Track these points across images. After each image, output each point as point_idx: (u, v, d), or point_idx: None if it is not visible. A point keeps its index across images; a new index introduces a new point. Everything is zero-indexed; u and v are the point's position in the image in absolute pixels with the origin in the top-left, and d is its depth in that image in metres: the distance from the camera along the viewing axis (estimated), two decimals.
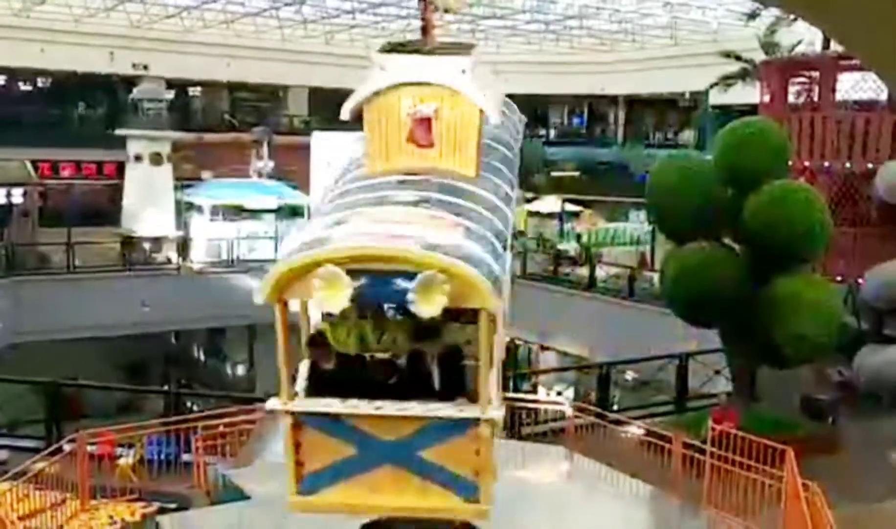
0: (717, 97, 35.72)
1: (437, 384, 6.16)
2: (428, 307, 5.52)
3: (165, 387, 24.75)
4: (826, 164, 19.95)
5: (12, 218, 32.62)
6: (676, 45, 46.41)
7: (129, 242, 35.02)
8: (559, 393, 21.15)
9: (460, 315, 6.08)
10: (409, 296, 5.48)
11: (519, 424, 14.99)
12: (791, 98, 21.68)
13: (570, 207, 42.92)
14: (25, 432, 16.42)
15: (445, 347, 6.27)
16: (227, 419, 12.92)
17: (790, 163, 17.15)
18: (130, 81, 42.48)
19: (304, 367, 6.36)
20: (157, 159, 37.66)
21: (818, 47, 25.08)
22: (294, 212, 35.15)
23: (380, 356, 6.36)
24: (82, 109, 46.36)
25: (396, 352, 6.36)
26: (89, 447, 11.75)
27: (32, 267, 30.96)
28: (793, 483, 9.70)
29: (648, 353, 19.33)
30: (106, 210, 41.12)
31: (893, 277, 17.83)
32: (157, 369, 35.00)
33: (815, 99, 21.09)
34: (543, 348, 31.58)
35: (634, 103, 54.52)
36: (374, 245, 5.62)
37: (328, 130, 30.82)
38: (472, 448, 5.97)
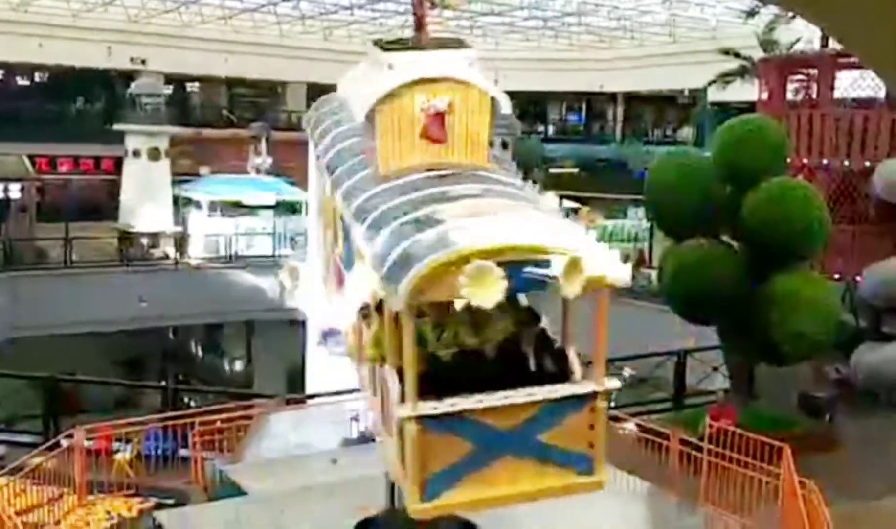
0: (715, 94, 35.78)
1: (532, 367, 6.15)
2: (573, 289, 5.60)
3: (163, 382, 24.75)
4: (824, 161, 19.95)
5: (10, 213, 32.57)
6: (675, 43, 46.40)
7: (126, 237, 34.99)
8: None
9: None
10: (556, 280, 5.54)
11: None
12: (789, 95, 21.70)
13: (568, 204, 42.93)
14: (23, 427, 16.42)
15: (540, 331, 6.32)
16: (224, 415, 12.93)
17: (788, 160, 17.15)
18: (128, 76, 42.43)
19: (398, 371, 5.99)
20: (154, 155, 37.59)
21: (817, 45, 25.12)
22: (292, 208, 35.11)
23: (467, 348, 6.24)
24: (80, 103, 46.31)
25: (487, 344, 6.28)
26: (86, 443, 11.74)
27: (30, 262, 30.96)
28: (790, 481, 9.71)
29: (646, 350, 19.34)
30: (104, 205, 41.07)
31: (891, 274, 17.84)
32: (154, 364, 34.99)
33: (814, 96, 21.11)
34: None
35: (633, 100, 54.55)
36: (519, 237, 5.62)
37: None
38: (586, 423, 6.05)
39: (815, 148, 20.00)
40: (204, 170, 42.03)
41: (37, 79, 46.74)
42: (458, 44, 7.29)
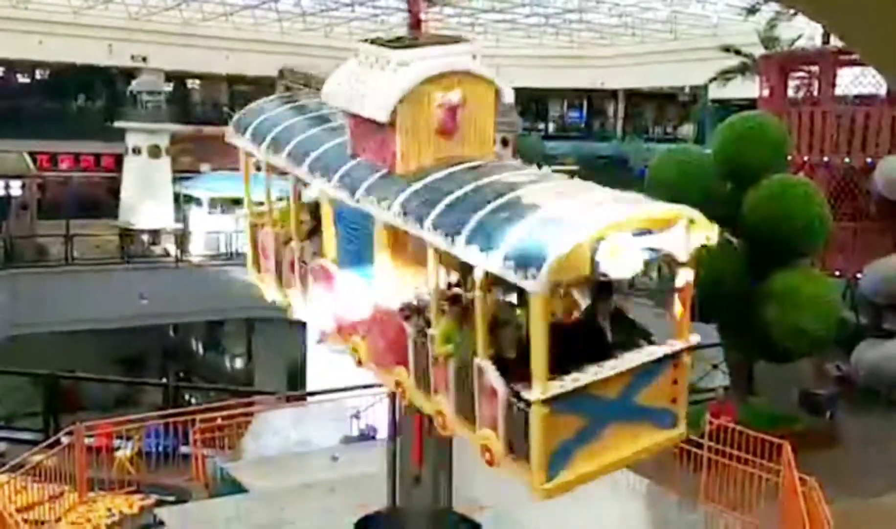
0: (716, 91, 35.76)
1: (610, 337, 6.38)
2: (687, 250, 6.08)
3: (163, 380, 24.75)
4: (825, 158, 19.94)
5: (11, 210, 32.56)
6: (676, 40, 46.35)
7: (127, 234, 34.99)
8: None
9: None
10: (673, 249, 6.00)
11: None
12: (790, 93, 21.68)
13: None
14: (23, 424, 16.44)
15: (614, 305, 6.57)
16: (225, 412, 12.94)
17: (789, 157, 17.14)
18: (129, 74, 42.40)
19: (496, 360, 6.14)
20: (155, 152, 37.59)
21: (818, 42, 25.13)
22: None
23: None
24: (81, 101, 46.30)
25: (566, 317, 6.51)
26: (87, 440, 11.75)
27: (31, 259, 30.96)
28: (790, 478, 9.71)
29: None
30: (104, 203, 41.08)
31: (892, 271, 17.84)
32: (155, 361, 35.00)
33: (815, 94, 21.09)
34: None
35: (634, 97, 54.52)
36: (637, 210, 6.05)
37: None
38: (672, 379, 6.42)
39: (816, 145, 19.99)
40: (204, 167, 41.99)
41: (38, 76, 46.71)
42: (454, 40, 7.32)
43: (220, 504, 10.82)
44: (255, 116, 8.44)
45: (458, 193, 6.35)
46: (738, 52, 31.60)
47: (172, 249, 33.89)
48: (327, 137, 7.68)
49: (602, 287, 6.39)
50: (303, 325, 15.57)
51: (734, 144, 15.40)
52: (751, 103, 23.80)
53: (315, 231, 8.13)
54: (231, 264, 32.16)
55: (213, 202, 35.88)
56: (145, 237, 35.06)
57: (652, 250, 5.95)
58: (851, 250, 19.16)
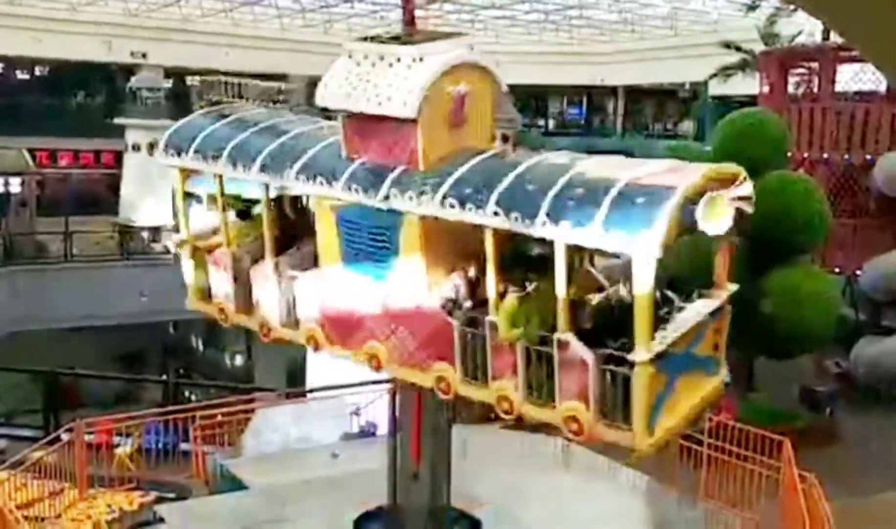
0: (716, 88, 35.67)
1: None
2: (751, 207, 6.70)
3: (163, 377, 24.76)
4: (825, 155, 19.93)
5: (10, 207, 32.54)
6: (676, 36, 46.28)
7: (126, 231, 34.94)
8: None
9: None
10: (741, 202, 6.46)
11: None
12: (790, 89, 21.66)
13: None
14: (23, 421, 16.44)
15: None
16: (225, 409, 12.94)
17: (789, 154, 17.14)
18: (129, 70, 42.35)
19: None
20: (155, 149, 37.55)
21: (818, 38, 25.06)
22: None
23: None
24: (80, 97, 46.24)
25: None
26: (87, 436, 11.75)
27: (30, 256, 30.92)
28: (790, 475, 9.71)
29: None
30: (104, 199, 41.04)
31: (892, 268, 17.84)
32: (154, 358, 35.00)
33: (815, 90, 21.06)
34: None
35: (634, 94, 54.44)
36: (712, 170, 6.44)
37: (326, 120, 30.77)
38: (715, 329, 7.09)
39: (816, 142, 19.98)
40: None
41: (37, 73, 46.65)
42: (449, 35, 7.34)
43: (220, 501, 10.82)
44: (192, 134, 8.26)
45: (510, 177, 6.47)
46: (738, 49, 31.56)
47: (172, 246, 33.85)
48: (306, 143, 7.56)
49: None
50: None
51: (734, 141, 15.41)
52: (751, 100, 23.78)
53: (288, 243, 8.01)
54: None
55: (212, 199, 35.80)
56: (145, 234, 35.02)
57: (734, 203, 6.38)
58: (851, 246, 19.16)
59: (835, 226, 15.93)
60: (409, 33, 7.63)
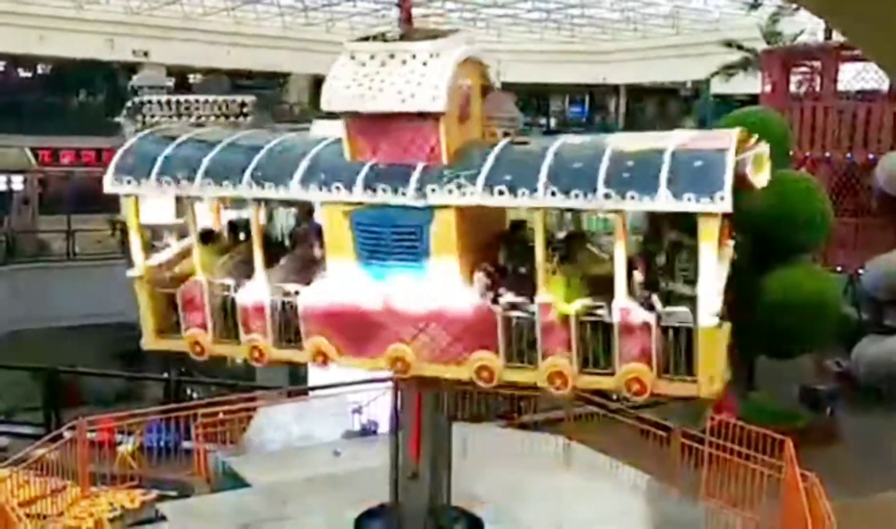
0: (718, 87, 35.65)
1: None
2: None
3: (165, 375, 24.73)
4: (827, 154, 19.92)
5: (12, 205, 32.56)
6: (678, 35, 46.26)
7: (128, 229, 34.88)
8: None
9: None
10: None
11: (518, 412, 15.01)
12: (793, 88, 21.63)
13: None
14: (24, 419, 16.45)
15: None
16: (226, 407, 12.94)
17: (791, 153, 17.12)
18: (131, 69, 42.35)
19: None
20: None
21: (820, 37, 25.02)
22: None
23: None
24: (82, 96, 46.22)
25: None
26: (89, 434, 11.76)
27: (32, 254, 30.92)
28: (791, 474, 9.71)
29: None
30: (106, 198, 40.71)
31: (893, 267, 17.82)
32: (156, 356, 34.89)
33: (817, 89, 21.04)
34: None
35: (635, 92, 54.39)
36: (735, 133, 6.87)
37: (328, 119, 30.75)
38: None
39: (818, 141, 19.96)
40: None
41: (39, 71, 46.66)
42: (445, 33, 7.40)
43: (221, 499, 10.84)
44: (146, 158, 7.91)
45: (548, 159, 6.73)
46: (740, 48, 31.53)
47: (174, 243, 33.83)
48: (298, 151, 7.44)
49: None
50: None
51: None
52: (753, 99, 23.76)
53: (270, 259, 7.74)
54: None
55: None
56: (147, 232, 34.95)
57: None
58: (853, 246, 19.14)
59: (836, 225, 15.93)
60: (407, 32, 7.63)
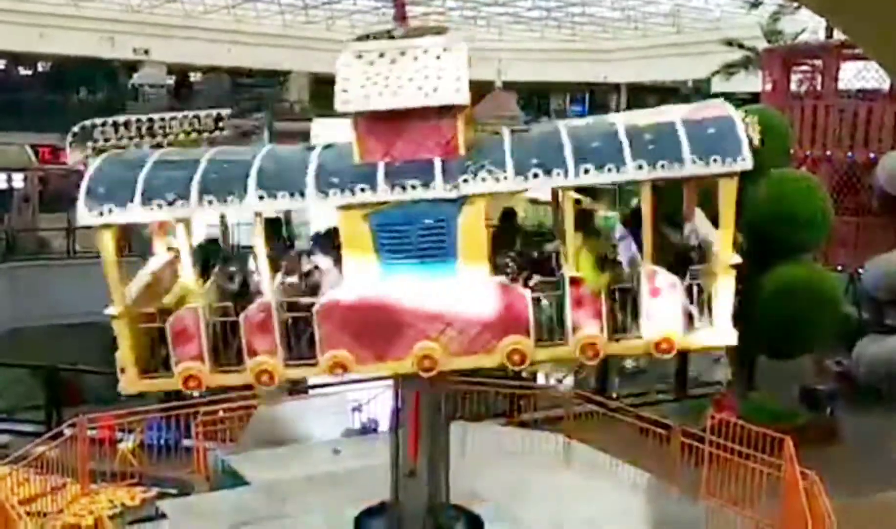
0: (719, 85, 35.61)
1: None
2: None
3: None
4: (828, 153, 19.91)
5: (12, 203, 32.55)
6: (679, 33, 46.25)
7: (129, 227, 34.86)
8: (559, 381, 21.17)
9: None
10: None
11: (517, 410, 15.01)
12: (793, 87, 21.62)
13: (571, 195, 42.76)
14: (25, 416, 16.44)
15: None
16: (226, 405, 12.93)
17: (792, 152, 17.10)
18: (131, 66, 42.37)
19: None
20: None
21: (821, 36, 25.01)
22: None
23: None
24: (83, 93, 46.22)
25: None
26: (89, 432, 11.76)
27: (32, 252, 30.92)
28: (791, 473, 9.70)
29: None
30: None
31: (894, 267, 17.80)
32: None
33: (818, 88, 21.03)
34: None
35: (636, 91, 54.35)
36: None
37: (329, 117, 30.75)
38: None
39: (819, 139, 19.96)
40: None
41: (39, 69, 46.66)
42: (436, 32, 7.45)
43: (221, 497, 10.84)
44: (124, 183, 7.11)
45: (566, 141, 7.07)
46: (741, 46, 31.52)
47: (174, 241, 33.82)
48: (298, 158, 7.31)
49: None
50: None
51: None
52: (754, 97, 23.74)
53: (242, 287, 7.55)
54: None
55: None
56: (147, 230, 34.94)
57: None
58: (853, 245, 19.13)
59: (837, 224, 15.92)
60: (405, 30, 7.63)
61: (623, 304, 7.33)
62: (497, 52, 37.80)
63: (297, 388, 16.72)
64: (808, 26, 29.26)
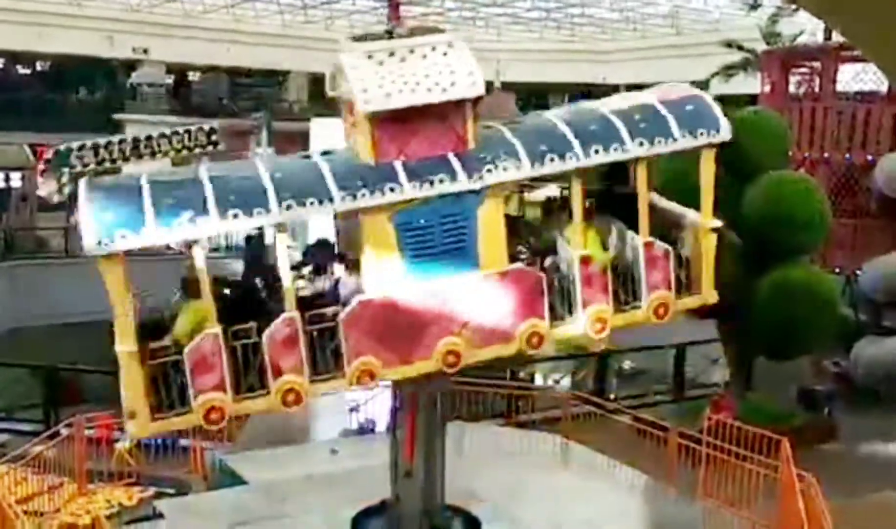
0: (718, 87, 35.64)
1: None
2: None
3: None
4: (826, 155, 19.93)
5: (11, 202, 32.56)
6: (678, 35, 46.29)
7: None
8: (557, 382, 21.18)
9: None
10: None
11: (515, 411, 15.02)
12: (792, 89, 21.65)
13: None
14: (24, 416, 16.43)
15: None
16: None
17: (790, 154, 17.11)
18: (130, 66, 42.36)
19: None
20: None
21: (820, 38, 25.05)
22: None
23: None
24: (82, 93, 46.23)
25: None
26: (87, 431, 11.76)
27: (31, 251, 30.93)
28: (788, 474, 9.71)
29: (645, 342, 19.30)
30: None
31: (892, 269, 17.81)
32: None
33: (816, 90, 21.05)
34: None
35: (635, 92, 54.41)
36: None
37: (328, 117, 30.74)
38: None
39: (817, 141, 19.98)
40: (204, 160, 41.88)
41: (38, 68, 46.64)
42: (432, 32, 7.52)
43: (219, 497, 10.84)
44: (130, 207, 6.78)
45: (563, 127, 7.48)
46: (740, 48, 31.55)
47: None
48: (311, 166, 7.19)
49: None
50: None
51: (734, 140, 15.37)
52: (752, 99, 23.76)
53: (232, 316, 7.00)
54: (230, 256, 32.12)
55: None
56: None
57: None
58: (851, 247, 19.15)
59: (835, 226, 15.92)
60: (403, 29, 7.66)
61: (623, 278, 7.81)
62: (496, 53, 37.76)
63: None
64: (807, 28, 29.31)
